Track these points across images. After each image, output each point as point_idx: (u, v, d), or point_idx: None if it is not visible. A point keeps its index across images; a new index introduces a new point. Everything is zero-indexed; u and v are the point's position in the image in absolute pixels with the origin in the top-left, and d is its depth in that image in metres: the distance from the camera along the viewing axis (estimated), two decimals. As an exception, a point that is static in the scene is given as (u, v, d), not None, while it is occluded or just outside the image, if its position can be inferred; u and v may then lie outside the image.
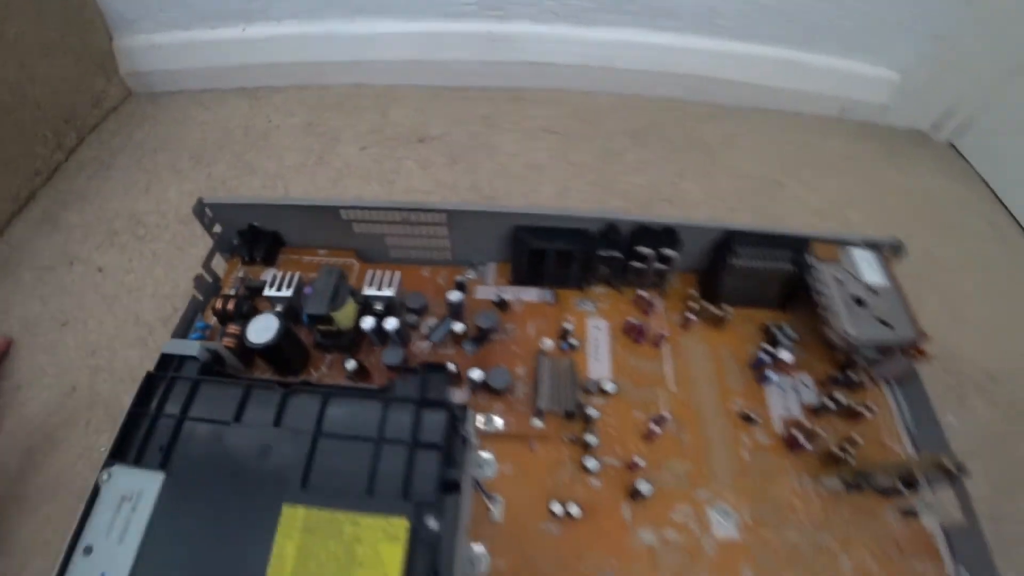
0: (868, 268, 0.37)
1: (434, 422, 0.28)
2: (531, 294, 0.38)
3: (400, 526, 0.25)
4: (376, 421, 0.28)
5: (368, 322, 0.33)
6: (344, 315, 0.34)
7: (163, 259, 0.47)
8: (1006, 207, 0.56)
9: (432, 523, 0.25)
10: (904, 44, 0.57)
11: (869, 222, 0.51)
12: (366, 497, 0.26)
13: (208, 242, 0.41)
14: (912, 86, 0.60)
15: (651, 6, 0.55)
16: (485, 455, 0.32)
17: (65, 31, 0.57)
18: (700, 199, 0.50)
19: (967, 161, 0.61)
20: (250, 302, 0.37)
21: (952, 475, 0.30)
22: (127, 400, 0.40)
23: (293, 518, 0.26)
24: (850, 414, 0.35)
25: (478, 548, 0.29)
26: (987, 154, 0.60)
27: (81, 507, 0.26)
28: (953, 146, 0.63)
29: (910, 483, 0.31)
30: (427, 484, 0.26)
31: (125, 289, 0.46)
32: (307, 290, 0.34)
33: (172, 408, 0.30)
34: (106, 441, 0.39)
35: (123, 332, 0.43)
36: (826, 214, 0.51)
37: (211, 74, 0.64)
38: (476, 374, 0.32)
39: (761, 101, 0.61)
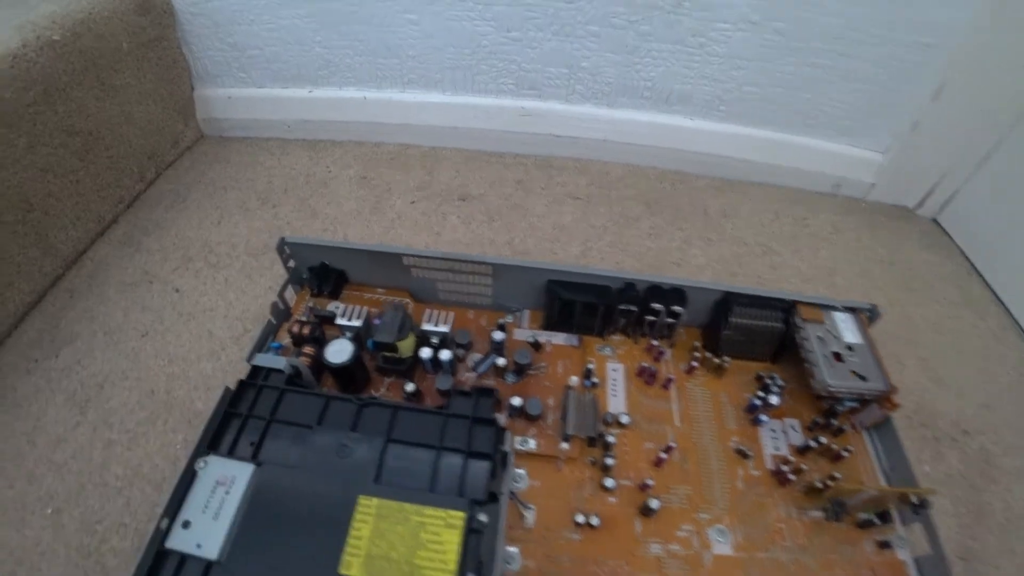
0: (846, 329, 0.44)
1: (484, 435, 0.34)
2: (559, 338, 0.45)
3: (458, 517, 0.30)
4: (437, 432, 0.34)
5: (426, 352, 0.40)
6: (406, 345, 0.40)
7: (234, 285, 0.54)
8: (982, 277, 0.62)
9: (483, 517, 0.31)
10: (883, 130, 0.65)
11: (853, 289, 0.58)
12: (429, 493, 0.32)
13: (275, 273, 0.48)
14: (894, 167, 0.67)
15: (664, 92, 0.64)
16: (519, 471, 0.38)
17: (158, 82, 0.65)
18: (704, 263, 0.57)
19: (949, 236, 0.68)
20: (320, 328, 0.43)
21: (916, 507, 0.36)
22: (201, 405, 0.46)
23: (368, 506, 0.31)
24: (831, 455, 0.40)
25: (512, 549, 0.35)
26: (966, 229, 0.66)
27: (164, 493, 0.31)
28: (936, 222, 0.70)
29: (883, 517, 0.37)
30: (479, 485, 0.32)
31: (200, 309, 0.52)
32: (376, 321, 0.40)
33: (261, 411, 0.36)
34: (181, 440, 0.44)
35: (198, 346, 0.49)
36: (815, 280, 0.58)
37: (277, 126, 0.72)
38: (516, 401, 0.38)
39: (760, 176, 0.69)
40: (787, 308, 0.44)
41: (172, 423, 0.45)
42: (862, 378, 0.40)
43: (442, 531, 0.30)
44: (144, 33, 0.61)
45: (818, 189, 0.70)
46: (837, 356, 0.42)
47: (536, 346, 0.43)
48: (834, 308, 0.45)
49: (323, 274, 0.48)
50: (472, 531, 0.30)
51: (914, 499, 0.36)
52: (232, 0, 0.63)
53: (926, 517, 0.36)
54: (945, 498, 0.45)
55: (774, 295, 0.44)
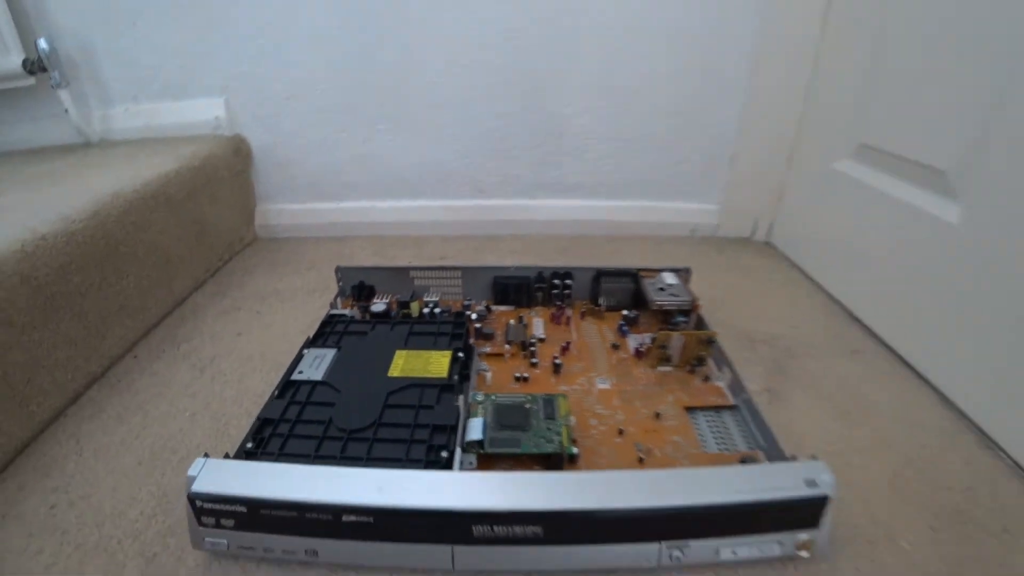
0: (670, 279, 0.74)
1: (460, 330, 0.63)
2: (502, 309, 0.75)
3: (448, 354, 0.59)
4: (435, 332, 0.63)
5: (426, 310, 0.69)
6: (415, 306, 0.70)
7: (299, 309, 0.83)
8: (800, 269, 0.92)
9: (460, 355, 0.59)
10: (711, 189, 1.01)
11: (702, 280, 0.89)
12: (434, 347, 0.60)
13: (325, 302, 0.76)
14: (726, 212, 1.01)
15: (564, 184, 1.03)
16: (482, 364, 0.65)
17: (237, 198, 1.00)
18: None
19: (776, 248, 0.99)
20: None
21: (709, 343, 0.64)
22: (286, 361, 0.71)
23: (401, 355, 0.59)
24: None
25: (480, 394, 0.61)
26: (786, 241, 0.97)
27: (282, 373, 0.57)
28: (769, 243, 1.02)
29: (700, 361, 0.64)
30: (459, 346, 0.60)
31: (276, 321, 0.80)
32: (398, 297, 0.71)
33: (338, 330, 0.64)
34: (275, 378, 0.69)
35: (277, 340, 0.76)
36: (671, 286, 0.90)
37: (312, 228, 1.07)
38: (478, 325, 0.67)
39: (637, 231, 1.05)
40: (635, 275, 0.75)
41: (266, 370, 0.69)
42: (676, 296, 0.71)
43: (440, 359, 0.58)
44: (234, 167, 0.97)
45: (680, 234, 1.06)
46: (661, 289, 0.72)
47: (488, 310, 0.73)
48: (662, 270, 0.76)
49: (360, 288, 0.78)
50: (455, 360, 0.58)
51: (706, 338, 0.64)
52: (291, 149, 1.01)
53: (723, 355, 0.63)
54: (757, 366, 0.69)
55: (625, 268, 0.76)
